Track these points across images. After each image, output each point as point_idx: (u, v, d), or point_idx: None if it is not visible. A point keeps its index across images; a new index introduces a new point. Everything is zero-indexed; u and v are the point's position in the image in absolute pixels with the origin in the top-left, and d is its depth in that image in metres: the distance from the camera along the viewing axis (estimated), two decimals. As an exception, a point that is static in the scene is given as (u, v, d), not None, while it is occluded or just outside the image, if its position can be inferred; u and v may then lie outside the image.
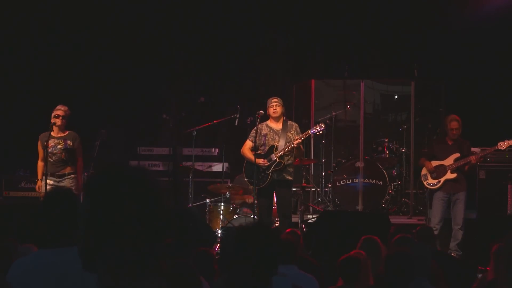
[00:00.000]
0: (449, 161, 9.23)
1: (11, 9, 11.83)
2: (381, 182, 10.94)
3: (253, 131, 8.87)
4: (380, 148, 11.40)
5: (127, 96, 12.44)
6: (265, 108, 8.96)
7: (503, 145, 9.00)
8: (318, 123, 9.03)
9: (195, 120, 11.30)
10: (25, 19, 11.99)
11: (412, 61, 11.82)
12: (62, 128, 9.03)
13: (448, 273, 5.33)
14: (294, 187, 9.79)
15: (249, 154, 8.81)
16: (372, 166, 11.13)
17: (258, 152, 8.81)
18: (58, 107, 9.02)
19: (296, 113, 11.67)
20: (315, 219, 9.47)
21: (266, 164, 8.68)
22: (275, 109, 8.77)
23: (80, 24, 12.23)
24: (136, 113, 12.58)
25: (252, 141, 8.82)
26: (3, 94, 11.86)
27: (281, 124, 8.85)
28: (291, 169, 8.86)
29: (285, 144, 8.67)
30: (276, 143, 8.74)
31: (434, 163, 9.26)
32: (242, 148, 9.01)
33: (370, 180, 11.05)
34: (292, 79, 12.56)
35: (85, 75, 12.20)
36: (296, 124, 9.03)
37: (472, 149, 9.54)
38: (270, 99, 8.93)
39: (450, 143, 9.35)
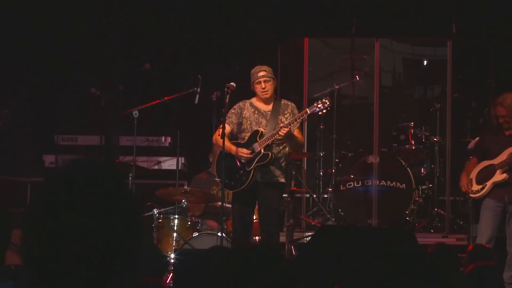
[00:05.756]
0: (501, 157, 8.17)
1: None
2: (404, 185, 9.97)
3: (232, 110, 7.95)
4: (403, 137, 10.31)
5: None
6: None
7: None
8: (320, 99, 7.85)
9: (138, 97, 10.45)
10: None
11: (449, 14, 10.51)
12: None
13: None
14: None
15: (226, 142, 7.82)
16: (391, 162, 10.16)
17: (238, 141, 7.93)
18: None
19: (282, 86, 10.25)
20: (309, 238, 8.98)
21: (250, 157, 7.77)
22: (264, 86, 7.73)
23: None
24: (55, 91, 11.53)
25: (231, 124, 7.89)
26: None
27: (272, 104, 7.90)
28: (282, 165, 7.86)
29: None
30: (262, 129, 7.77)
31: (484, 163, 8.25)
32: (214, 135, 8.01)
33: (389, 182, 10.06)
34: (277, 37, 11.44)
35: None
36: (293, 104, 7.99)
37: None
38: (257, 70, 7.85)
39: (507, 133, 8.30)
